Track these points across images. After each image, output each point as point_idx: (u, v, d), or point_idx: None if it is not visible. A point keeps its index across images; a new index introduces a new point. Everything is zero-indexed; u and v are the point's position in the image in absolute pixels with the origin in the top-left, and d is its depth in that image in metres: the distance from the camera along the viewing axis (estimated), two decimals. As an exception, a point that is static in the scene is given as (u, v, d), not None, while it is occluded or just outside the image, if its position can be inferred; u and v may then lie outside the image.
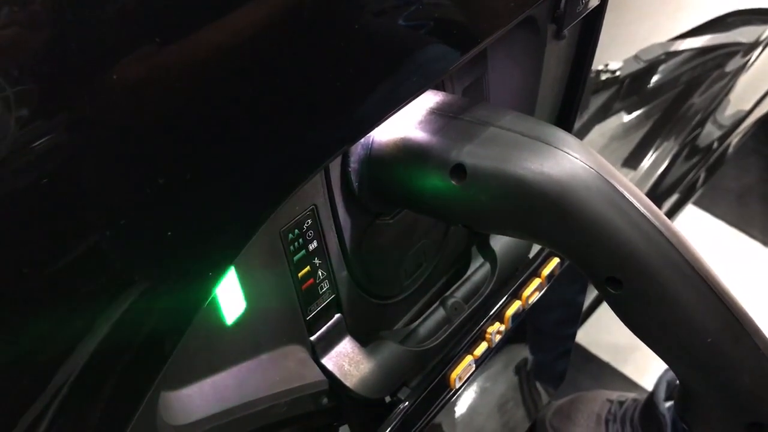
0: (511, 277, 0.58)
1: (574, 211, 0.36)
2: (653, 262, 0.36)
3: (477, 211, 0.39)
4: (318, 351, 0.46)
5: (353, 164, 0.43)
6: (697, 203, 1.60)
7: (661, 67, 0.81)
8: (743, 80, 1.08)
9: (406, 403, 0.50)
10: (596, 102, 0.72)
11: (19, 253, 0.24)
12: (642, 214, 0.36)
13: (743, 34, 0.97)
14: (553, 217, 0.37)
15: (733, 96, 1.10)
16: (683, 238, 0.37)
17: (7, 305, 0.24)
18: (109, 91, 0.24)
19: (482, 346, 0.54)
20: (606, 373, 1.32)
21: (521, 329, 0.74)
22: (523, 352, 0.78)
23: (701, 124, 1.07)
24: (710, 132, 1.14)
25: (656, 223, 0.36)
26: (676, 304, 0.36)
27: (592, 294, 1.01)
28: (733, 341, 0.37)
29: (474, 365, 0.54)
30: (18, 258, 0.24)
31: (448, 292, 0.56)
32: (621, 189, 0.36)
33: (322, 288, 0.44)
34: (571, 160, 0.37)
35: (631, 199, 0.36)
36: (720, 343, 0.36)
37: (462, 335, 0.54)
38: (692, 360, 0.38)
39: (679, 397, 0.43)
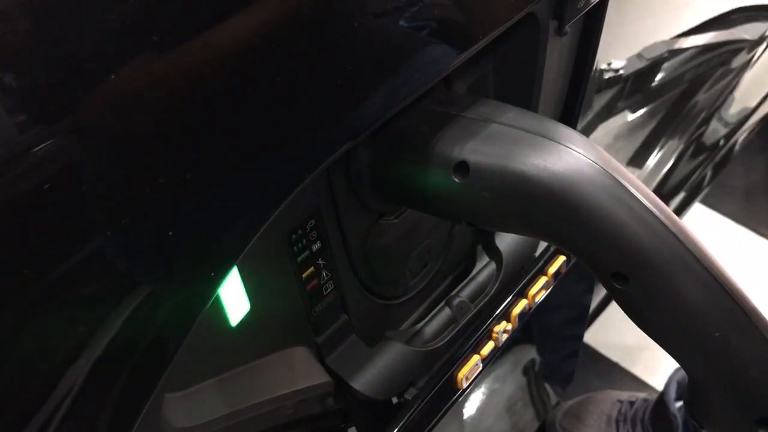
0: (517, 275, 0.58)
1: (579, 207, 0.36)
2: (659, 256, 0.35)
3: (481, 209, 0.39)
4: (324, 352, 0.46)
5: (355, 163, 0.43)
6: (704, 201, 1.59)
7: (665, 65, 0.81)
8: (748, 77, 1.08)
9: (413, 403, 0.49)
10: (600, 101, 0.72)
11: (21, 256, 0.24)
12: (647, 209, 0.36)
13: (747, 31, 0.97)
14: (558, 213, 0.36)
15: (739, 93, 1.10)
16: (689, 232, 0.36)
17: (12, 309, 0.24)
18: (110, 93, 0.24)
19: (489, 346, 0.54)
20: (615, 374, 1.31)
21: (529, 330, 0.74)
22: (530, 353, 0.78)
23: (706, 121, 1.06)
24: (716, 129, 1.14)
25: (661, 217, 0.36)
26: (682, 298, 0.36)
27: (600, 294, 1.01)
28: (741, 335, 0.36)
29: (481, 365, 0.53)
30: (20, 260, 0.24)
31: (454, 292, 0.56)
32: (625, 183, 0.36)
33: (326, 288, 0.44)
34: (575, 156, 0.36)
35: (636, 193, 0.36)
36: (728, 337, 0.36)
37: (468, 335, 0.53)
38: (700, 355, 0.37)
39: (688, 394, 0.42)
